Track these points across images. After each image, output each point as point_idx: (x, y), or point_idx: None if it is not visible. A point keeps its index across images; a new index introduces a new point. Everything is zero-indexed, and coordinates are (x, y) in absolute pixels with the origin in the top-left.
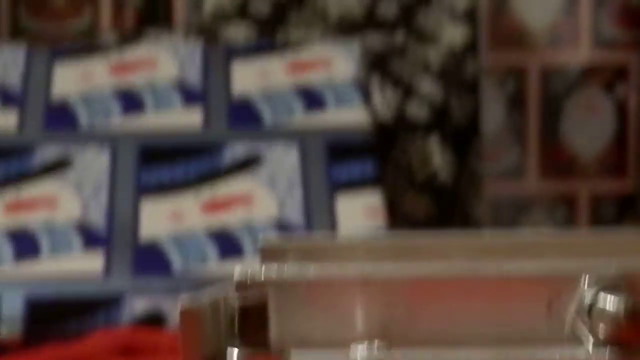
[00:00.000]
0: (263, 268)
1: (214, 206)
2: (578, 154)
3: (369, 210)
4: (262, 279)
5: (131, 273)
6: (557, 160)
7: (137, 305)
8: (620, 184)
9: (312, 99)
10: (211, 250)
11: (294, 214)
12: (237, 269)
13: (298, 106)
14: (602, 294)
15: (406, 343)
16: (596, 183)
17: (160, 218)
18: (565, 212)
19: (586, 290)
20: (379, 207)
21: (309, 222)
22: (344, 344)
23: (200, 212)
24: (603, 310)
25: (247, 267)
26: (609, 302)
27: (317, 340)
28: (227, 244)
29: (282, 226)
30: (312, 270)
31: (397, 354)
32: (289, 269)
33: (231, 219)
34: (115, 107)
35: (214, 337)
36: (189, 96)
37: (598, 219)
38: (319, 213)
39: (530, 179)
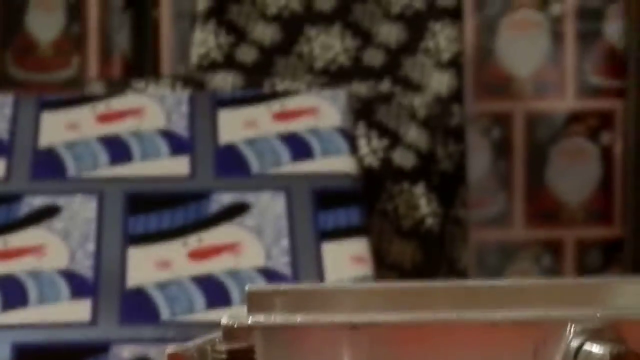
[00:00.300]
0: (250, 315)
1: (201, 254)
2: (564, 201)
3: (356, 258)
4: (249, 325)
5: (118, 321)
6: (542, 207)
7: (124, 353)
8: (606, 230)
9: (298, 147)
10: (198, 298)
11: (281, 262)
12: (225, 316)
13: (285, 154)
14: (587, 343)
15: None
16: (582, 230)
17: (148, 266)
18: (551, 259)
19: (572, 339)
20: (366, 254)
21: (296, 270)
22: None
23: (187, 260)
24: (588, 359)
25: (235, 314)
26: (595, 351)
27: None
28: (214, 292)
29: (269, 274)
30: (299, 317)
31: None
32: (276, 316)
33: (218, 267)
34: (103, 155)
35: None
36: (176, 145)
37: (584, 266)
38: (305, 261)
39: (517, 226)
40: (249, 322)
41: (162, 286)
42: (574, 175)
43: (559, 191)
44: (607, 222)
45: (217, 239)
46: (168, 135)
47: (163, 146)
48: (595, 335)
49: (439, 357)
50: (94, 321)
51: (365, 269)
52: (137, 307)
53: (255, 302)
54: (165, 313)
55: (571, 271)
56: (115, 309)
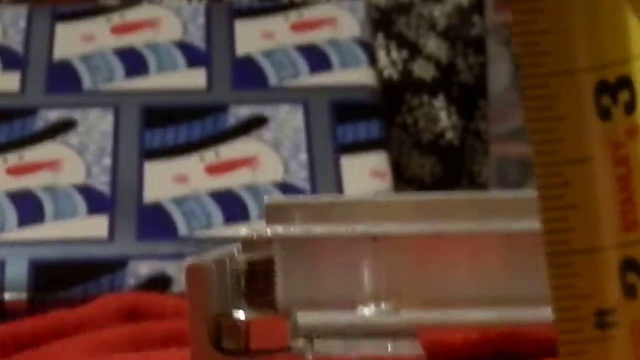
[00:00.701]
0: (269, 227)
1: (218, 168)
2: None
3: (375, 172)
4: (269, 237)
5: (135, 236)
6: None
7: (142, 269)
8: None
9: (317, 58)
10: (216, 213)
11: (299, 176)
12: (244, 228)
13: (303, 66)
14: None
15: (414, 304)
16: None
17: (164, 181)
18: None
19: None
20: (386, 168)
21: (314, 184)
22: (351, 304)
23: (204, 175)
24: None
25: (254, 227)
26: None
27: (324, 301)
28: (232, 207)
29: (286, 188)
30: (319, 228)
31: (405, 314)
32: (296, 228)
33: (235, 181)
34: (118, 68)
35: (221, 296)
36: (193, 57)
37: None
38: (324, 175)
39: None
40: (269, 233)
41: (179, 201)
42: None
43: None
44: None
45: (234, 153)
46: (184, 47)
47: (179, 58)
48: None
49: (459, 268)
50: (111, 237)
51: (385, 183)
52: (154, 222)
53: (274, 214)
54: (182, 228)
55: None
56: (132, 225)
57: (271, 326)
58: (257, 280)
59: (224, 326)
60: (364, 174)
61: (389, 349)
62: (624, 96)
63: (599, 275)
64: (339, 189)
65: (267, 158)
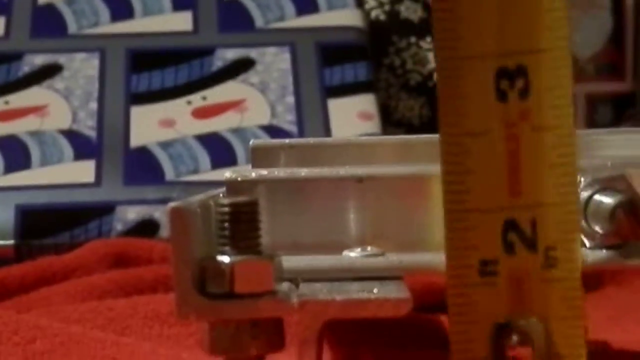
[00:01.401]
0: (254, 169)
1: (205, 112)
2: (574, 55)
3: (363, 114)
4: (253, 179)
5: (123, 181)
6: None
7: (130, 214)
8: (618, 84)
9: (303, 1)
10: (203, 157)
11: (287, 119)
12: (228, 171)
13: (289, 7)
14: (597, 193)
15: (401, 246)
16: (593, 84)
17: (151, 125)
18: None
19: (582, 191)
20: (373, 110)
21: (301, 127)
22: (336, 247)
23: (191, 118)
24: (598, 211)
25: (239, 169)
26: (605, 200)
27: (309, 244)
28: (219, 151)
29: (274, 131)
30: (303, 170)
31: (391, 257)
32: (280, 170)
33: (222, 125)
34: (104, 11)
35: (205, 239)
36: (179, 0)
37: (595, 120)
38: (311, 117)
39: None
40: (253, 176)
41: (166, 145)
42: (584, 28)
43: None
44: (618, 76)
45: (221, 97)
46: None
47: (165, 1)
48: (605, 187)
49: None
50: (97, 182)
51: (373, 125)
52: (141, 167)
53: (259, 157)
54: (169, 173)
55: (582, 125)
56: (119, 170)
57: (256, 270)
58: (241, 223)
59: (208, 270)
60: (352, 116)
61: (375, 291)
62: (520, 83)
63: (486, 231)
64: (327, 131)
65: (254, 101)
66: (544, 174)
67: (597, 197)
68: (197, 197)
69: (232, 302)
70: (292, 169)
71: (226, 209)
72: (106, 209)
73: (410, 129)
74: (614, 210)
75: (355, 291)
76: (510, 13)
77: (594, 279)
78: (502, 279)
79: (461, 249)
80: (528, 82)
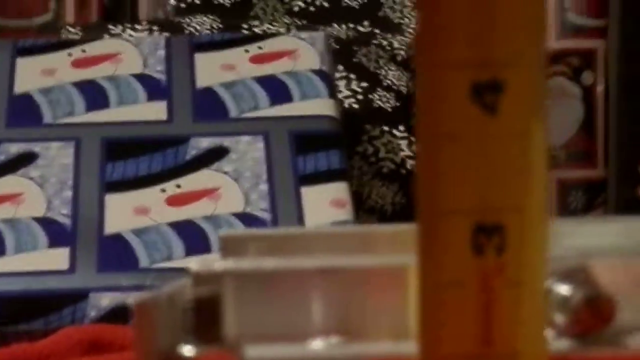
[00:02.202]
0: (220, 261)
1: (179, 200)
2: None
3: (336, 202)
4: (218, 271)
5: (97, 268)
6: None
7: (103, 301)
8: (589, 171)
9: (277, 90)
10: (177, 245)
11: (260, 207)
12: (193, 263)
13: (263, 98)
14: (556, 284)
15: (365, 336)
16: (564, 171)
17: (125, 213)
18: None
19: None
20: (346, 198)
21: (275, 215)
22: (301, 338)
23: (165, 206)
24: (560, 301)
25: (206, 260)
26: (564, 293)
27: (273, 335)
28: (193, 239)
29: (247, 219)
30: (269, 262)
31: (356, 347)
32: (247, 261)
33: (196, 213)
34: (79, 101)
35: (168, 332)
36: (153, 89)
37: (567, 207)
38: (284, 205)
39: None
40: (217, 268)
41: (140, 233)
42: (556, 116)
43: None
44: (590, 163)
45: (195, 185)
46: (145, 79)
47: (140, 91)
48: (568, 277)
49: (412, 301)
50: (72, 269)
51: (345, 212)
52: (116, 254)
53: (229, 247)
54: (143, 260)
55: (554, 212)
56: (93, 257)
57: None
58: (205, 315)
59: None
60: (325, 204)
61: None
62: (496, 239)
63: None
64: (300, 219)
65: (228, 189)
66: (515, 327)
67: (557, 288)
68: (162, 290)
69: None
70: (257, 260)
71: (189, 302)
72: (80, 296)
73: (383, 216)
74: (573, 303)
75: None
76: (486, 172)
77: None
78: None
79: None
80: (504, 239)
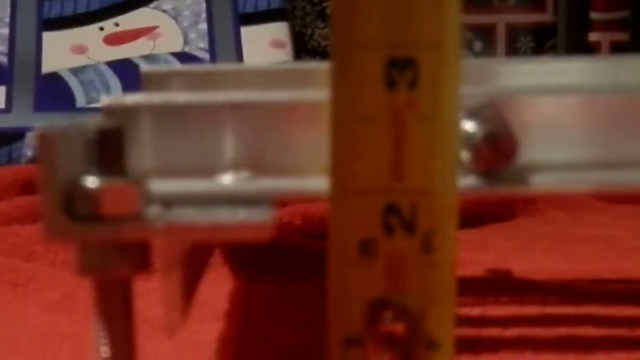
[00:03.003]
0: (131, 95)
1: (117, 39)
2: None
3: (275, 42)
4: (130, 104)
5: (34, 107)
6: None
7: None
8: (538, 15)
9: None
10: (114, 84)
11: (199, 46)
12: (105, 97)
13: None
14: (464, 121)
15: (275, 171)
16: (513, 15)
17: (63, 51)
18: (483, 44)
19: None
20: (286, 38)
21: (214, 54)
22: (209, 172)
23: (103, 45)
24: (465, 137)
25: (117, 95)
26: (469, 129)
27: (184, 170)
28: (131, 77)
29: (186, 58)
30: (180, 96)
31: (263, 182)
32: (157, 96)
33: (135, 51)
34: None
35: (73, 163)
36: None
37: (516, 51)
38: (224, 45)
39: None
40: (128, 101)
41: (78, 71)
42: None
43: None
44: (539, 7)
45: (134, 23)
46: None
47: None
48: (473, 113)
49: (320, 136)
50: (8, 108)
51: (284, 53)
52: (53, 93)
53: (150, 84)
54: (80, 99)
55: (503, 55)
56: (30, 96)
57: (122, 192)
58: (108, 147)
59: (75, 193)
60: (264, 43)
61: (240, 215)
62: (408, 74)
63: (367, 212)
64: (239, 58)
65: (166, 28)
66: (427, 162)
67: (464, 124)
68: (72, 122)
69: (98, 224)
70: (169, 94)
71: (93, 134)
72: (16, 135)
73: (325, 56)
74: (475, 139)
75: (223, 215)
76: (402, 7)
77: (506, 210)
78: (381, 259)
79: (343, 227)
80: (417, 74)
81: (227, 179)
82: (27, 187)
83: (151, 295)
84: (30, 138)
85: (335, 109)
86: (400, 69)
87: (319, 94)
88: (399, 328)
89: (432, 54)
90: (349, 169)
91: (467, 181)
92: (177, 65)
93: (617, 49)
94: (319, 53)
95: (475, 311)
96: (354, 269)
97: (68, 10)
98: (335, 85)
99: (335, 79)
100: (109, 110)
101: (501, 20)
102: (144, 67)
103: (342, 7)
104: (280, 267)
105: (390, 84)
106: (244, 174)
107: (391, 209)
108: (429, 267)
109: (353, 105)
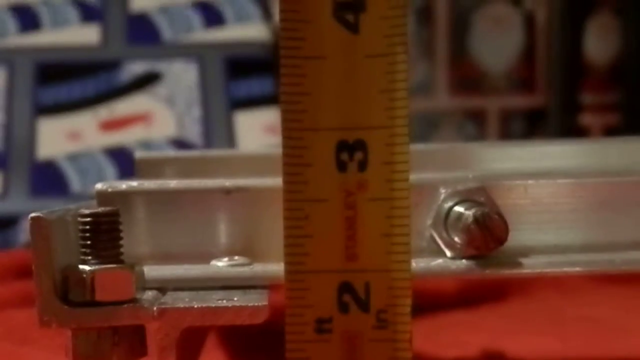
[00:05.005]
0: (124, 181)
1: (112, 124)
2: (487, 69)
3: (269, 127)
4: (123, 190)
5: (29, 193)
6: (465, 76)
7: None
8: (530, 99)
9: (211, 14)
10: (109, 169)
11: (193, 131)
12: (99, 182)
13: (197, 22)
14: (458, 205)
15: (268, 257)
16: (505, 98)
17: (58, 137)
18: (474, 127)
19: (443, 202)
20: (279, 123)
21: (208, 140)
22: (203, 258)
23: (98, 131)
24: (456, 222)
25: (111, 181)
26: (461, 214)
27: (178, 255)
28: (126, 163)
29: (181, 144)
30: (173, 182)
31: (257, 267)
32: (151, 182)
33: (129, 137)
34: (11, 24)
35: (67, 249)
36: (86, 12)
37: (508, 134)
38: (218, 130)
39: (440, 95)
40: (122, 187)
41: (73, 158)
42: (497, 42)
43: (482, 59)
44: (531, 90)
45: (128, 110)
46: (78, 2)
47: (73, 14)
48: (465, 197)
49: None
50: (4, 194)
51: (278, 137)
52: (48, 179)
53: (144, 170)
54: (75, 185)
55: (495, 139)
56: (25, 182)
57: (116, 278)
58: (102, 233)
59: (70, 279)
60: (258, 129)
61: (235, 300)
62: (358, 155)
63: (322, 291)
64: (232, 143)
65: (161, 114)
66: (379, 242)
67: (456, 208)
68: (66, 207)
69: (93, 310)
70: (162, 180)
71: (87, 219)
72: (11, 221)
73: None
74: (466, 222)
75: (216, 299)
76: (350, 91)
77: (499, 291)
78: (336, 337)
79: (299, 307)
80: (366, 156)
81: (221, 264)
82: (22, 272)
83: None
84: (25, 223)
85: (287, 191)
86: (351, 151)
87: None
88: None
89: (381, 135)
90: (303, 249)
91: (459, 264)
92: (170, 152)
93: (609, 131)
94: None
95: None
96: (310, 348)
97: (63, 97)
98: (286, 167)
99: (286, 161)
100: (103, 196)
101: (493, 104)
102: (138, 153)
103: (291, 91)
104: (275, 349)
105: (341, 166)
106: (238, 259)
107: (345, 288)
108: (384, 343)
109: (305, 187)
